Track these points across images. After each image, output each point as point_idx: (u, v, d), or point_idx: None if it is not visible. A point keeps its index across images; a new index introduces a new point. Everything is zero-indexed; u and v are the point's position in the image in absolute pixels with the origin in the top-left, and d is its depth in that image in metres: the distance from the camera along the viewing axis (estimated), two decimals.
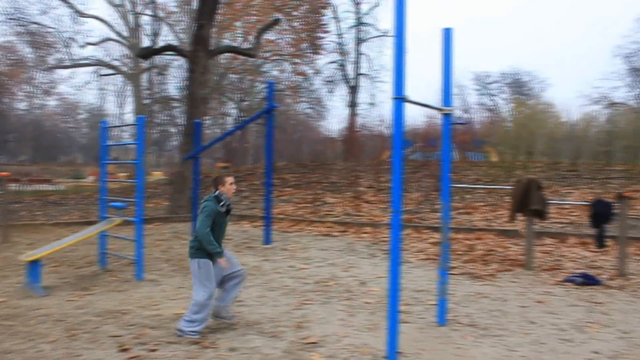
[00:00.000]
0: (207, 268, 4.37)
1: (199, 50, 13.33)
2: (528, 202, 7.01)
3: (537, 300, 5.68)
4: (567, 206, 11.39)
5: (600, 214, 7.05)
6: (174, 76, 33.58)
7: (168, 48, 16.81)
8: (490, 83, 44.61)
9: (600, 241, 7.23)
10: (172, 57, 28.12)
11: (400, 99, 3.66)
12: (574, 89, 57.40)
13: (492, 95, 44.53)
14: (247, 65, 26.61)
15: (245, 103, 32.73)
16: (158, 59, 29.84)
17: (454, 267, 7.14)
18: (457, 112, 33.30)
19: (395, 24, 3.74)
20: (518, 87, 43.64)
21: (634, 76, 40.34)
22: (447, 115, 4.42)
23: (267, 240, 9.17)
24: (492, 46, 63.53)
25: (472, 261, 7.66)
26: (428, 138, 18.50)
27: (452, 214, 11.14)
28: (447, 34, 4.58)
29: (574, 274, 6.65)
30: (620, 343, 4.38)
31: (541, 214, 7.19)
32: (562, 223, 10.41)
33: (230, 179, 4.59)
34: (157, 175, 29.61)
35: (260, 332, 4.49)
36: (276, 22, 17.62)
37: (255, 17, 22.52)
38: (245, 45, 21.19)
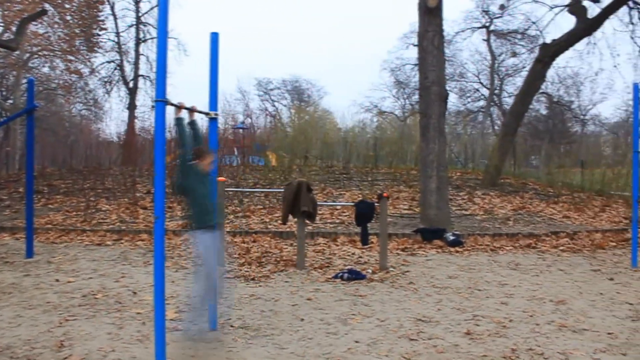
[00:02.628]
0: None
1: None
2: (298, 204, 7.32)
3: (308, 297, 5.95)
4: (338, 207, 12.17)
5: (364, 213, 7.66)
6: None
7: None
8: (272, 89, 46.13)
9: (364, 238, 7.84)
10: None
11: (162, 102, 3.55)
12: (349, 98, 62.03)
13: (274, 101, 46.11)
14: (11, 59, 24.00)
15: (10, 102, 29.53)
16: None
17: (229, 271, 7.18)
18: (240, 117, 33.73)
19: (158, 25, 3.64)
20: (298, 94, 45.77)
21: (399, 88, 44.64)
22: (213, 120, 4.41)
23: (30, 253, 8.33)
24: (275, 53, 65.66)
25: (247, 264, 7.78)
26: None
27: (230, 217, 11.24)
28: (214, 38, 4.58)
29: (342, 271, 7.11)
30: (378, 330, 4.77)
31: (311, 216, 7.55)
32: (334, 223, 11.09)
33: None
34: None
35: (12, 358, 4.03)
36: (43, 12, 16.15)
37: (18, 5, 20.37)
38: (6, 37, 19.07)
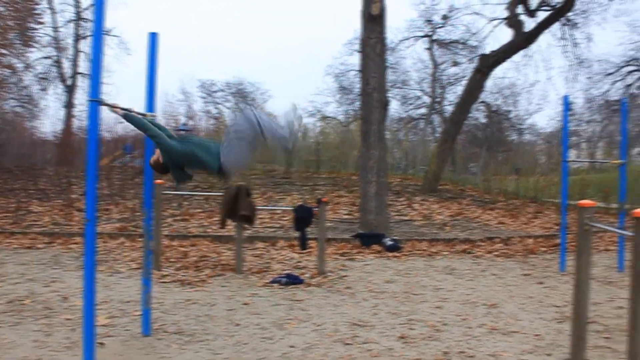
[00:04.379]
0: None
1: None
2: (237, 208, 7.27)
3: (244, 302, 5.91)
4: (278, 211, 12.14)
5: (302, 218, 7.67)
6: None
7: None
8: (215, 91, 45.65)
9: (303, 243, 7.84)
10: None
11: (96, 102, 3.47)
12: (293, 101, 61.87)
13: (217, 103, 45.63)
14: None
15: None
16: None
17: (166, 275, 7.06)
18: (183, 119, 33.24)
19: (94, 21, 3.55)
20: (242, 96, 45.46)
21: (342, 94, 44.97)
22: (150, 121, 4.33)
23: None
24: (220, 55, 65.05)
25: (184, 268, 7.66)
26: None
27: (168, 221, 11.05)
28: (153, 39, 4.50)
29: (280, 275, 7.10)
30: (313, 335, 4.78)
31: (249, 220, 7.51)
32: (273, 227, 11.06)
33: None
34: None
35: None
36: None
37: None
38: None
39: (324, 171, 18.62)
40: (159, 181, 7.77)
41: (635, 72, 37.55)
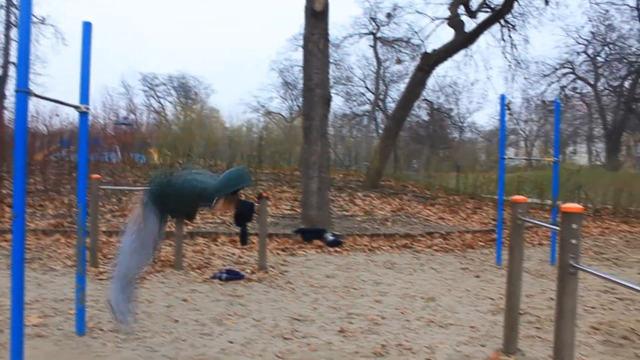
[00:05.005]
0: None
1: None
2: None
3: (183, 298, 5.83)
4: None
5: (243, 213, 7.59)
6: None
7: None
8: (157, 85, 44.81)
9: (243, 238, 7.77)
10: None
11: (24, 93, 3.33)
12: (237, 97, 61.55)
13: (159, 97, 44.81)
14: None
15: None
16: None
17: (103, 272, 6.88)
18: (123, 112, 32.38)
19: (20, 8, 3.40)
20: (184, 90, 44.78)
21: (287, 89, 44.90)
22: (83, 114, 4.20)
23: None
24: (162, 49, 63.80)
25: None
26: (91, 138, 17.54)
27: (107, 216, 10.77)
28: (87, 28, 4.36)
29: (221, 271, 7.03)
30: (253, 330, 4.76)
31: (190, 215, 7.38)
32: (214, 222, 10.94)
33: None
34: None
35: None
36: None
37: None
38: None
39: (267, 166, 18.54)
40: (95, 176, 7.56)
41: (570, 75, 39.11)
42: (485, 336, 4.76)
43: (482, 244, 10.33)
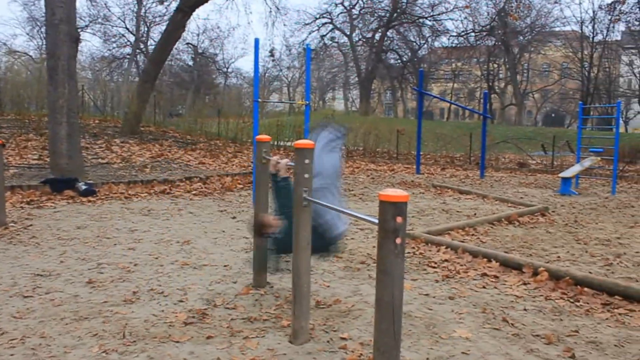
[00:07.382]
0: None
1: None
2: None
3: None
4: None
5: None
6: None
7: None
8: None
9: None
10: None
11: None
12: None
13: None
14: None
15: None
16: None
17: None
18: None
19: None
20: None
21: (34, 26, 40.46)
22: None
23: None
24: None
25: None
26: None
27: None
28: None
29: None
30: None
31: None
32: None
33: None
34: None
35: None
36: None
37: None
38: None
39: (10, 112, 16.67)
40: None
41: (328, 25, 41.43)
42: (237, 273, 4.95)
43: (241, 186, 10.62)
